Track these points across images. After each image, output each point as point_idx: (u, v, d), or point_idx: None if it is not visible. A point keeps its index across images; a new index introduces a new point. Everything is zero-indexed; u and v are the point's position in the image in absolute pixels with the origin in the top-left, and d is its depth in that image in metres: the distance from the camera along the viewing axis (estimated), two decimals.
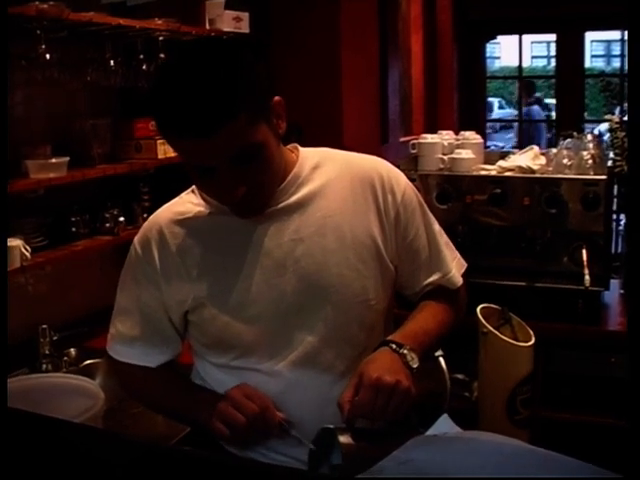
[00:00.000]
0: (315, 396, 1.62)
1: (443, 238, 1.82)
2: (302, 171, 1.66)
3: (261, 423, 1.57)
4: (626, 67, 6.27)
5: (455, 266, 1.82)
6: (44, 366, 2.68)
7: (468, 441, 0.97)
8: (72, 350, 2.85)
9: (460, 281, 1.83)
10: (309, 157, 1.69)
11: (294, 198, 1.64)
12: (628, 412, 0.85)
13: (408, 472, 0.81)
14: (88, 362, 2.77)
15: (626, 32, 6.59)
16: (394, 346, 1.59)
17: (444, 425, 1.38)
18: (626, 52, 6.99)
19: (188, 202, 1.71)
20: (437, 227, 1.81)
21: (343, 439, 1.47)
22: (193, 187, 1.73)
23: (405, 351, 1.58)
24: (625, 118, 3.87)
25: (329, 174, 1.68)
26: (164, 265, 1.67)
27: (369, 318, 1.68)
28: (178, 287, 1.66)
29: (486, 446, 0.90)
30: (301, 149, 1.72)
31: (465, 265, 1.86)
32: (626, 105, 5.11)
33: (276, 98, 1.55)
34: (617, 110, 3.61)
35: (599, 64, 18.58)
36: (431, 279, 1.79)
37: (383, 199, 1.68)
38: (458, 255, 1.86)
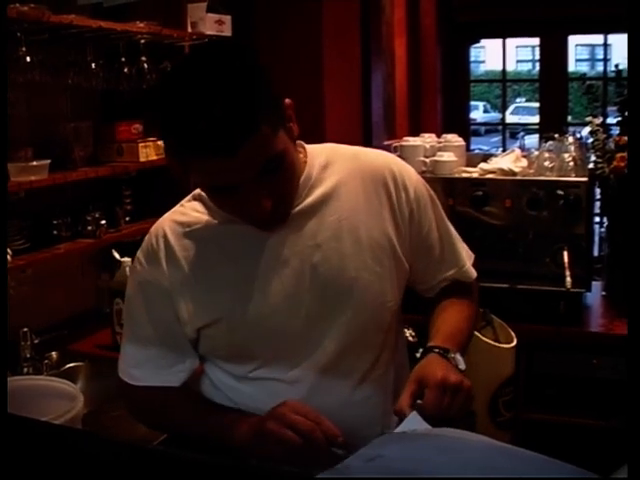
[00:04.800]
0: (336, 401, 1.58)
1: (453, 230, 1.79)
2: (312, 172, 1.60)
3: (319, 440, 1.44)
4: (609, 70, 6.30)
5: (467, 258, 1.80)
6: (25, 369, 2.66)
7: (438, 438, 0.96)
8: (53, 353, 2.84)
9: (474, 274, 1.82)
10: (316, 156, 1.63)
11: (307, 202, 1.57)
12: (627, 414, 0.86)
13: (376, 469, 0.81)
14: (69, 365, 2.77)
15: (609, 36, 6.62)
16: (439, 351, 1.58)
17: (413, 422, 1.38)
18: (609, 56, 7.03)
19: (193, 211, 1.63)
20: (447, 220, 1.78)
21: None
22: (194, 194, 1.66)
23: (452, 355, 1.58)
24: (608, 121, 3.90)
25: (340, 173, 1.62)
26: (174, 279, 1.59)
27: (385, 319, 1.64)
28: (191, 302, 1.59)
29: (456, 443, 0.90)
30: (307, 147, 1.65)
31: (473, 256, 1.84)
32: (609, 109, 5.13)
33: (287, 101, 1.49)
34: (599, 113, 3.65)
35: (583, 68, 18.69)
36: (448, 274, 1.77)
37: (397, 197, 1.63)
38: (466, 246, 1.83)
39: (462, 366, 1.58)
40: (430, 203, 1.71)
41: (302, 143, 1.64)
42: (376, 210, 1.61)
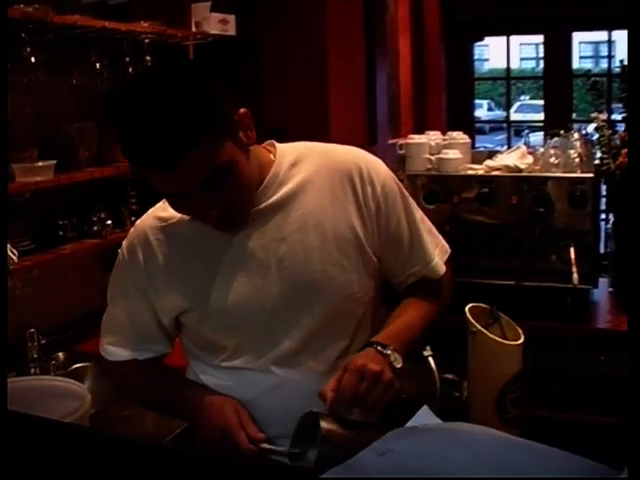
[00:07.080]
0: (307, 388, 1.62)
1: (425, 225, 1.83)
2: (280, 170, 1.67)
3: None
4: (613, 67, 6.30)
5: (438, 254, 1.83)
6: (32, 370, 2.66)
7: (448, 432, 0.96)
8: (60, 354, 2.85)
9: (443, 270, 1.84)
10: (286, 154, 1.70)
11: (274, 198, 1.65)
12: (628, 411, 0.85)
13: (387, 463, 0.81)
14: (76, 366, 2.77)
15: (613, 33, 6.61)
16: (378, 347, 1.61)
17: (424, 417, 1.38)
18: (613, 53, 7.02)
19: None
20: (419, 215, 1.81)
21: (325, 424, 1.49)
22: None
23: (389, 352, 1.60)
24: (613, 117, 3.89)
25: (308, 169, 1.68)
26: (150, 271, 1.70)
27: (356, 310, 1.70)
28: (165, 293, 1.69)
29: (467, 436, 0.90)
30: (278, 146, 1.72)
31: (449, 251, 1.87)
32: (613, 105, 5.13)
33: (241, 110, 1.56)
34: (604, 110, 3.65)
35: (587, 65, 18.66)
36: (413, 270, 1.80)
37: (362, 191, 1.68)
38: (442, 241, 1.87)
39: (398, 364, 1.61)
40: (400, 198, 1.75)
41: (273, 142, 1.72)
42: (341, 204, 1.67)
